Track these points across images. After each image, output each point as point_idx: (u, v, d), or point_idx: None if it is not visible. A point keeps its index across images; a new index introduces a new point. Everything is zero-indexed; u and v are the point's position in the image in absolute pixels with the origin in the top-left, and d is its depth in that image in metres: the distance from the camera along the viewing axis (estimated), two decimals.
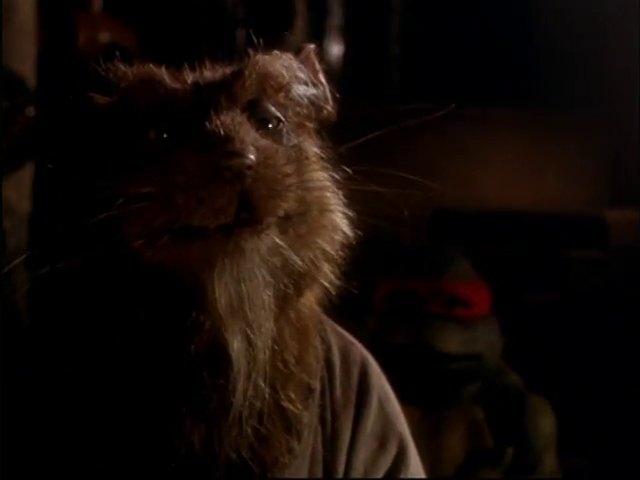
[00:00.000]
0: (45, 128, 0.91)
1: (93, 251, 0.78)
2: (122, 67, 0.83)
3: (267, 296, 0.80)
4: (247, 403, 0.81)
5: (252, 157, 0.75)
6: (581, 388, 2.05)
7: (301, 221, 0.81)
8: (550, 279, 2.58)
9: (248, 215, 0.76)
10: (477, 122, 2.72)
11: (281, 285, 0.81)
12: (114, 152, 0.81)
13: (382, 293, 1.99)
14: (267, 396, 0.83)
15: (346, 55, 1.92)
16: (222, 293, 0.78)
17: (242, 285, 0.78)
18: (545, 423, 1.90)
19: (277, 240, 0.79)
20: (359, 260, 0.87)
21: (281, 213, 0.78)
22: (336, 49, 1.96)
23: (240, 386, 0.80)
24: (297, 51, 0.89)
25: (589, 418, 1.88)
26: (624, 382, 1.87)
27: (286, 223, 0.80)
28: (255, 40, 0.83)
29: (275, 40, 0.86)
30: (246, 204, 0.76)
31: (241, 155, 0.75)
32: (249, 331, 0.79)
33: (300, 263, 0.81)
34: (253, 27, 0.84)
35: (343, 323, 1.00)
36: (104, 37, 2.02)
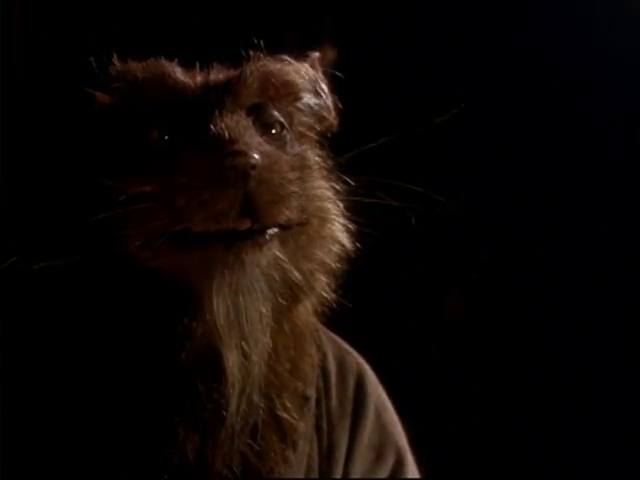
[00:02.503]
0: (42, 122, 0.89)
1: (88, 251, 0.76)
2: (130, 62, 0.81)
3: (264, 309, 0.78)
4: (240, 418, 0.80)
5: (257, 157, 0.73)
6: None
7: (301, 232, 0.80)
8: None
9: (250, 220, 0.74)
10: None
11: (278, 297, 0.80)
12: (114, 149, 0.79)
13: None
14: (262, 406, 0.81)
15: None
16: (220, 306, 0.77)
17: (240, 298, 0.77)
18: None
19: (278, 254, 0.78)
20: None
21: (283, 220, 0.77)
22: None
23: (234, 400, 0.79)
24: (302, 58, 0.88)
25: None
26: None
27: (286, 234, 0.78)
28: (256, 42, 0.82)
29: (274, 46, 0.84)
30: (249, 208, 0.74)
31: (245, 154, 0.73)
32: (245, 345, 0.78)
33: (299, 277, 0.80)
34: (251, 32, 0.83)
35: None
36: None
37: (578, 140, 1.53)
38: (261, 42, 0.81)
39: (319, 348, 0.92)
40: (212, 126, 0.75)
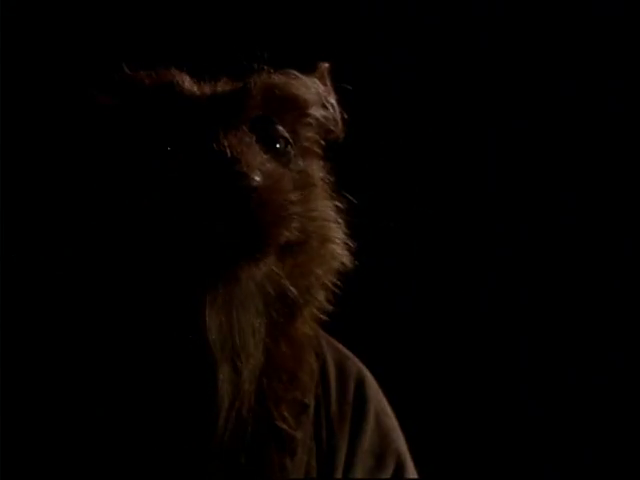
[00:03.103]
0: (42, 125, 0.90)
1: (85, 256, 0.77)
2: (138, 71, 0.82)
3: (258, 324, 0.78)
4: (228, 432, 0.80)
5: (258, 179, 0.73)
6: None
7: (300, 250, 0.79)
8: None
9: (249, 240, 0.74)
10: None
11: (273, 312, 0.80)
12: (115, 155, 0.79)
13: None
14: (258, 418, 0.82)
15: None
16: (213, 319, 0.76)
17: (234, 313, 0.77)
18: None
19: (274, 268, 0.77)
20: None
21: (283, 241, 0.76)
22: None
23: (222, 414, 0.79)
24: (311, 69, 0.88)
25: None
26: None
27: (285, 251, 0.78)
28: (262, 55, 0.82)
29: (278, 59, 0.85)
30: (248, 229, 0.73)
31: (247, 177, 0.72)
32: (237, 360, 0.78)
33: (295, 292, 0.80)
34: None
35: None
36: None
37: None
38: (265, 55, 0.81)
39: (319, 355, 0.92)
40: (214, 143, 0.74)
